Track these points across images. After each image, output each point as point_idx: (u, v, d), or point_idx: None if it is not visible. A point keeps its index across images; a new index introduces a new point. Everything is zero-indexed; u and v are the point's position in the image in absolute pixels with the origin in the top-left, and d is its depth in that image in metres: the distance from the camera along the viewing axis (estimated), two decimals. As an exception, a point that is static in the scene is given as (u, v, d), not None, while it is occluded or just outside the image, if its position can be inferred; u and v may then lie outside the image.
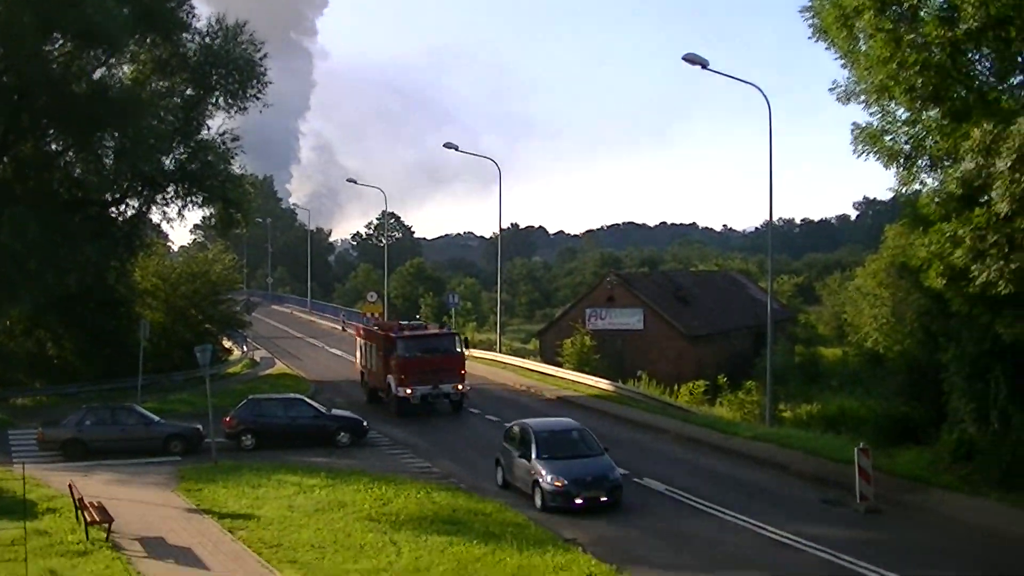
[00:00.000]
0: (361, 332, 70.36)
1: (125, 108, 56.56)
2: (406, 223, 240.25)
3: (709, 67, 52.67)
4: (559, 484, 35.74)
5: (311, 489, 37.96)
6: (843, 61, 35.79)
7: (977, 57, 33.34)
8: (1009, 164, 29.43)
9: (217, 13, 65.51)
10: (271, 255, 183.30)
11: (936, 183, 35.34)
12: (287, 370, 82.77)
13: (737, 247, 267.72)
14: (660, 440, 50.76)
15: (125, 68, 64.23)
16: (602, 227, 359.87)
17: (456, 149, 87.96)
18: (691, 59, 52.34)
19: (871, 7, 33.03)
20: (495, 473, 40.80)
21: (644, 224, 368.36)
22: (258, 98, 66.01)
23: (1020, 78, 33.57)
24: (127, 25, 57.22)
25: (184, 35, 63.62)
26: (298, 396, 55.72)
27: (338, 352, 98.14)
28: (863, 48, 34.49)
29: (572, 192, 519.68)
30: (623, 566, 28.27)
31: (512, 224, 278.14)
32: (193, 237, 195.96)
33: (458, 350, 60.37)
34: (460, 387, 59.40)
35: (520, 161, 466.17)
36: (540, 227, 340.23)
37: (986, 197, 31.41)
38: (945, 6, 32.22)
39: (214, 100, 65.72)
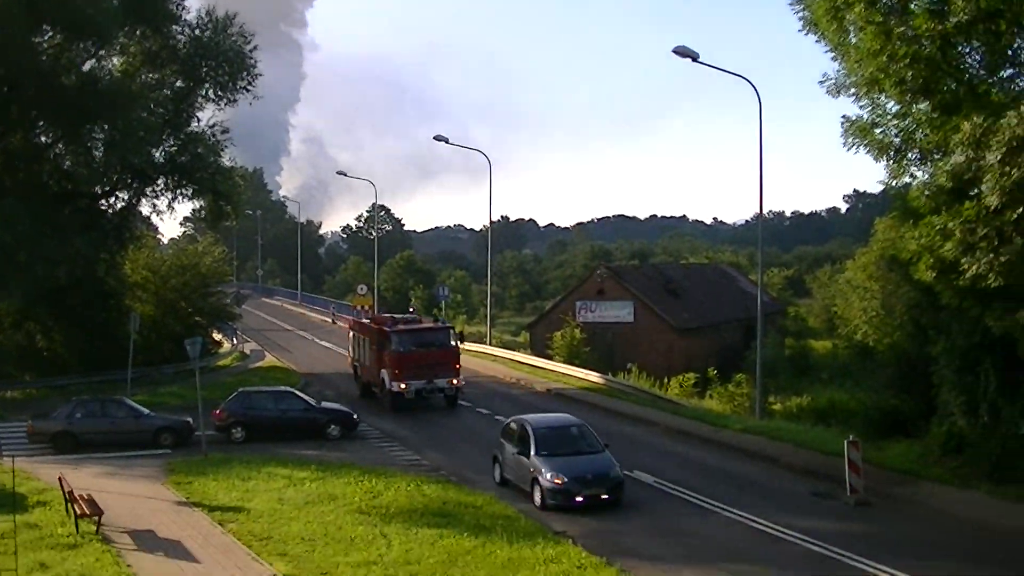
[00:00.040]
0: (354, 325, 69.91)
1: (115, 100, 56.53)
2: (396, 215, 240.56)
3: (699, 60, 52.57)
4: (559, 482, 34.98)
5: (301, 482, 37.93)
6: (833, 54, 35.83)
7: (967, 50, 33.37)
8: (999, 157, 29.45)
9: (207, 5, 65.75)
10: (261, 247, 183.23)
11: (926, 176, 35.43)
12: (277, 363, 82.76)
13: (727, 240, 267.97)
14: (650, 433, 50.77)
15: (115, 60, 64.26)
16: (592, 220, 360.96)
17: (446, 142, 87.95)
18: (681, 52, 52.23)
19: (861, 0, 33.05)
20: (492, 469, 40.10)
21: (634, 217, 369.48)
22: (248, 90, 66.05)
23: (1010, 71, 33.61)
24: (117, 17, 57.25)
25: (174, 27, 63.61)
26: (288, 389, 55.68)
27: (328, 345, 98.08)
28: (853, 41, 34.51)
29: (562, 185, 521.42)
30: (612, 558, 28.26)
31: (502, 216, 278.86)
32: (183, 229, 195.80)
33: (452, 344, 59.74)
34: (455, 382, 58.71)
35: (510, 154, 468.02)
36: (530, 220, 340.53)
37: (976, 190, 31.47)
38: (935, -1, 32.27)
39: (204, 92, 65.71)
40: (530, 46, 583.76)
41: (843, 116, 36.48)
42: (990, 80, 33.51)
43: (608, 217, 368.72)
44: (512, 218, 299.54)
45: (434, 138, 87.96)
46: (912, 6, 32.76)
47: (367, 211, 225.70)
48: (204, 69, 64.68)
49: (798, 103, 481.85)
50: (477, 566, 27.29)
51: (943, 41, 31.85)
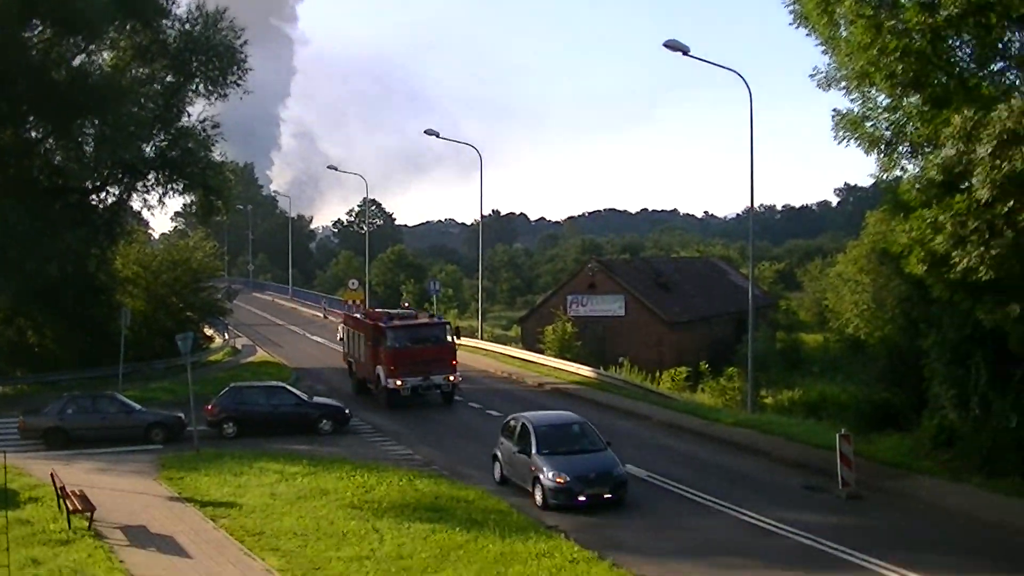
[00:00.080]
0: (348, 320, 69.44)
1: (105, 95, 56.50)
2: (387, 210, 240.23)
3: (690, 53, 52.63)
4: (561, 481, 34.23)
5: (293, 477, 37.94)
6: (824, 47, 35.80)
7: (958, 44, 33.34)
8: (990, 150, 29.47)
9: (197, 0, 65.41)
10: (252, 242, 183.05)
11: (917, 169, 35.38)
12: (269, 358, 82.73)
13: (718, 233, 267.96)
14: (642, 427, 50.80)
15: (105, 55, 64.20)
16: (583, 214, 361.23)
17: (437, 136, 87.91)
18: (672, 45, 52.27)
19: (852, -7, 33.08)
20: (491, 468, 39.36)
21: (625, 211, 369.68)
22: (238, 85, 65.97)
23: (1000, 64, 33.60)
24: (107, 12, 57.15)
25: (164, 22, 63.57)
26: (280, 384, 55.67)
27: (320, 339, 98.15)
28: (844, 34, 34.50)
29: (553, 179, 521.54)
30: (605, 552, 28.26)
31: (493, 211, 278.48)
32: (174, 224, 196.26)
33: (449, 340, 59.11)
34: (452, 378, 58.09)
35: (501, 148, 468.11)
36: (521, 214, 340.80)
37: (967, 183, 31.47)
38: (926, -8, 32.26)
39: (194, 87, 65.64)
40: (521, 40, 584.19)
41: (834, 109, 36.47)
42: (980, 73, 33.50)
43: (599, 211, 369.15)
44: (503, 212, 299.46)
45: (425, 132, 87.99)
46: (902, 0, 32.77)
47: (358, 206, 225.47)
48: (194, 64, 64.60)
49: (789, 97, 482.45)
50: (469, 561, 27.31)
51: (933, 34, 31.83)
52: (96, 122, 58.49)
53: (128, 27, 62.64)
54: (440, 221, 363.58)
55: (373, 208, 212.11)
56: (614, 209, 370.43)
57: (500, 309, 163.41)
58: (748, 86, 53.24)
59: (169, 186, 66.15)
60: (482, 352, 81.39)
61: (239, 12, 66.83)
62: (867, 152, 35.78)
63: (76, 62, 61.18)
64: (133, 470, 41.07)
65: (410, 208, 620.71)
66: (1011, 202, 29.96)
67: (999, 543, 29.97)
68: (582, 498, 34.19)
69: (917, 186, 34.43)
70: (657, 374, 77.18)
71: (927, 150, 34.32)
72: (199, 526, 31.84)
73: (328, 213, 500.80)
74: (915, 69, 32.54)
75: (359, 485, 36.41)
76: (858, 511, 33.81)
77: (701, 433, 48.42)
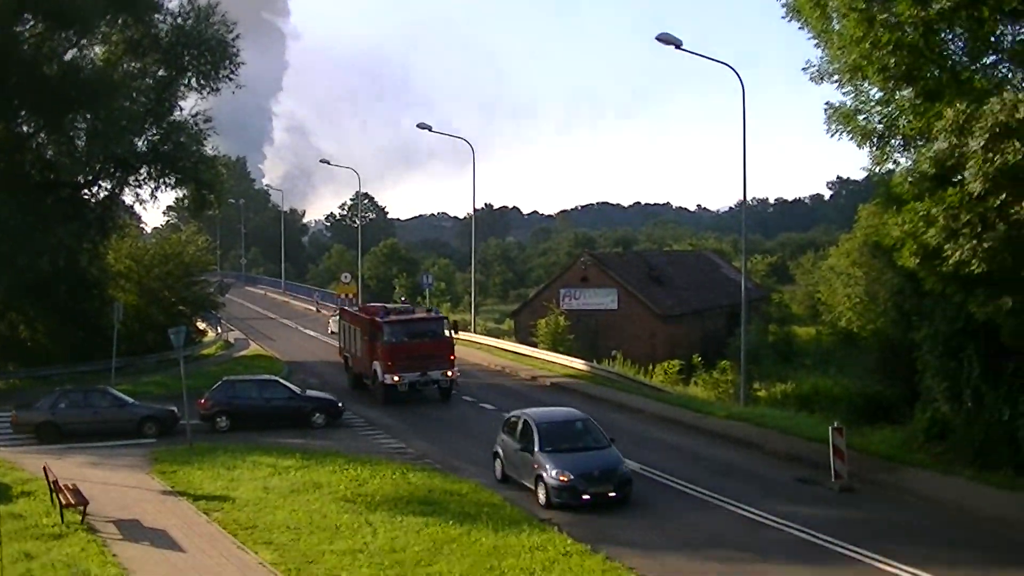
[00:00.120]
0: (344, 315, 68.88)
1: (97, 89, 56.42)
2: (380, 204, 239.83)
3: (683, 47, 52.62)
4: (564, 479, 33.46)
5: (286, 470, 37.94)
6: (817, 41, 35.83)
7: (950, 37, 33.38)
8: (982, 143, 29.52)
9: (189, -6, 65.23)
10: (244, 236, 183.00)
11: (909, 163, 35.46)
12: (261, 351, 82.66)
13: (711, 227, 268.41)
14: (635, 420, 50.81)
15: (97, 49, 64.04)
16: (576, 207, 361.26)
17: (430, 130, 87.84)
18: (664, 39, 52.25)
19: (844, -13, 33.10)
20: (490, 464, 38.72)
21: (618, 204, 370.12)
22: (231, 79, 65.79)
23: (993, 58, 33.65)
24: (98, 6, 57.13)
25: (156, 16, 63.40)
26: (273, 377, 55.51)
27: (312, 333, 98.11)
28: (836, 27, 34.55)
29: (546, 172, 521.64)
30: (598, 545, 28.31)
31: (486, 204, 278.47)
32: (166, 219, 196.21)
33: (447, 334, 58.26)
34: (450, 373, 57.20)
35: (494, 141, 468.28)
36: (514, 207, 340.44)
37: (959, 176, 31.56)
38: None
39: (186, 81, 65.45)
40: (514, 34, 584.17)
41: (826, 103, 36.56)
42: (973, 67, 33.54)
43: (592, 204, 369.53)
44: (496, 206, 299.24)
45: (417, 126, 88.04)
46: (895, -7, 32.78)
47: (351, 199, 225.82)
48: (186, 58, 64.42)
49: (782, 90, 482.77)
50: (463, 554, 27.34)
51: (926, 28, 31.86)
52: (88, 116, 58.40)
53: (120, 21, 62.47)
54: (433, 215, 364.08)
55: (366, 202, 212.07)
56: (607, 202, 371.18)
57: (493, 303, 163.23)
58: (741, 79, 53.33)
59: (161, 180, 66.07)
60: (475, 346, 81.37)
61: (231, 6, 66.75)
62: (860, 145, 35.89)
63: (68, 56, 61.08)
64: (126, 464, 41.03)
65: (403, 202, 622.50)
66: (1003, 195, 30.02)
67: (991, 535, 30.05)
68: (586, 497, 33.51)
69: (910, 179, 34.51)
70: (650, 367, 77.13)
71: (919, 143, 34.36)
72: (192, 520, 31.84)
73: (321, 207, 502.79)
74: (908, 62, 32.58)
75: (352, 478, 36.43)
76: (851, 504, 33.89)
77: (694, 426, 48.45)
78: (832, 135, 36.18)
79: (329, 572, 26.17)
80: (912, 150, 35.15)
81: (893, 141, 35.52)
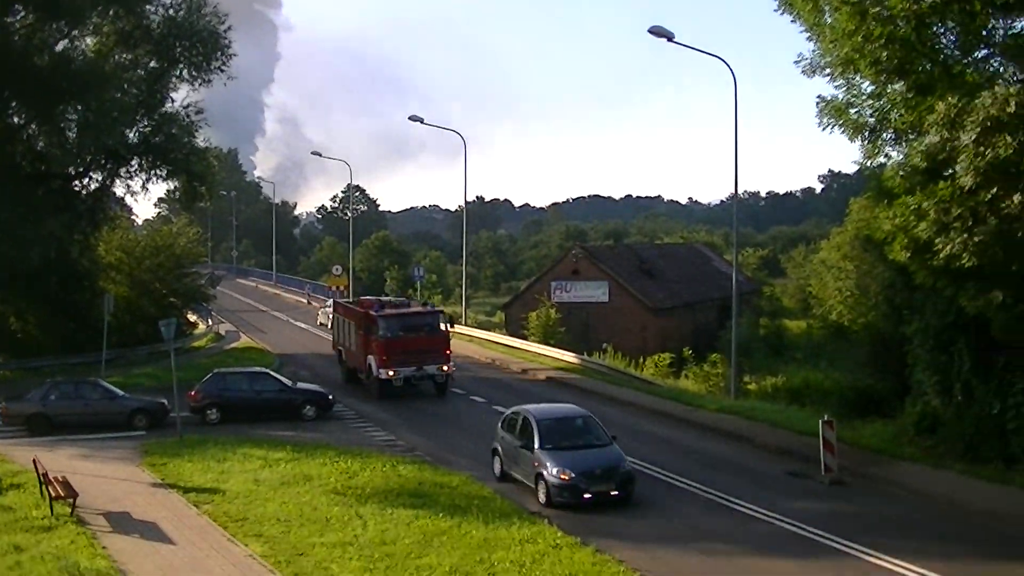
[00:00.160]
0: (338, 308, 68.08)
1: (88, 81, 56.21)
2: (371, 196, 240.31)
3: (675, 40, 52.60)
4: (565, 477, 32.73)
5: (276, 463, 37.92)
6: (809, 34, 35.80)
7: (942, 30, 33.34)
8: (973, 137, 29.51)
9: (181, -15, 65.03)
10: (236, 228, 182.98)
11: (901, 156, 35.43)
12: (252, 344, 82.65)
13: (702, 220, 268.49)
14: (625, 412, 50.80)
15: (88, 40, 63.75)
16: (567, 200, 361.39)
17: (421, 122, 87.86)
18: (656, 31, 52.23)
19: (836, -21, 33.09)
20: (491, 462, 37.79)
21: (609, 197, 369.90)
22: (222, 70, 65.50)
23: (984, 52, 33.62)
24: (90, -3, 56.87)
25: (147, 7, 63.12)
26: (263, 370, 55.58)
27: (303, 325, 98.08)
28: (829, 21, 34.51)
29: (537, 165, 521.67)
30: (587, 538, 28.34)
31: (478, 197, 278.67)
32: (157, 210, 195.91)
33: (442, 328, 57.55)
34: (446, 368, 56.48)
35: (486, 134, 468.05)
36: (506, 200, 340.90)
37: (950, 170, 31.53)
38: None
39: (178, 72, 65.17)
40: (505, 25, 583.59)
41: (818, 96, 36.50)
42: (965, 61, 33.52)
43: (583, 197, 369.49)
44: (487, 198, 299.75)
45: (409, 118, 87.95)
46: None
47: (342, 192, 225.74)
48: (178, 49, 64.17)
49: (774, 83, 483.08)
50: (453, 546, 27.36)
51: (918, 21, 31.85)
52: (79, 108, 58.17)
53: (111, 12, 62.20)
54: (424, 207, 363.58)
55: (357, 194, 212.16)
56: (598, 195, 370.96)
57: (484, 295, 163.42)
58: (733, 72, 53.30)
59: (152, 172, 65.84)
60: (466, 338, 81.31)
61: (223, -3, 66.63)
62: (851, 139, 35.87)
63: (59, 47, 60.83)
64: (116, 456, 41.01)
65: (394, 194, 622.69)
66: (994, 189, 30.01)
67: (982, 529, 30.10)
68: (588, 496, 32.80)
69: (901, 173, 34.48)
70: (640, 360, 77.22)
71: (911, 137, 34.37)
72: (182, 512, 31.83)
73: (312, 199, 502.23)
74: (899, 56, 32.57)
75: (343, 471, 36.43)
76: (841, 497, 33.92)
77: (684, 419, 48.49)
78: (824, 128, 36.19)
79: (319, 564, 26.16)
80: (903, 144, 35.16)
81: (885, 135, 35.51)
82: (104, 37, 63.79)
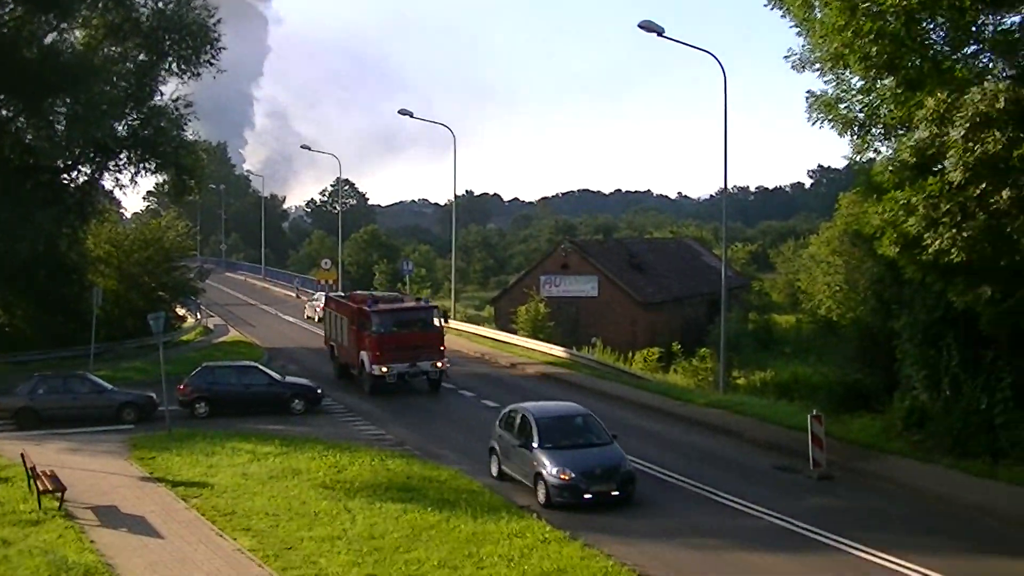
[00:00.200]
0: (330, 303, 66.56)
1: (77, 74, 56.07)
2: (360, 190, 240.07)
3: (665, 34, 52.56)
4: (565, 477, 32.07)
5: (265, 457, 37.88)
6: (799, 29, 35.82)
7: (932, 26, 33.36)
8: (962, 133, 29.57)
9: (170, -23, 64.87)
10: (225, 222, 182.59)
11: (890, 151, 35.50)
12: (241, 337, 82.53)
13: (692, 214, 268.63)
14: (614, 407, 50.72)
15: (77, 33, 63.56)
16: (557, 194, 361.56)
17: (411, 116, 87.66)
18: (646, 26, 52.17)
19: (827, -25, 33.09)
20: (488, 461, 37.14)
21: (599, 191, 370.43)
22: (212, 63, 65.38)
23: (974, 47, 33.65)
24: (79, -11, 56.73)
25: (137, 0, 63.02)
26: (252, 363, 55.45)
27: (292, 319, 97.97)
28: (819, 16, 34.51)
29: (527, 159, 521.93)
30: (576, 532, 28.34)
31: (467, 191, 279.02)
32: (146, 204, 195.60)
33: (436, 324, 56.92)
34: (440, 364, 55.93)
35: (475, 128, 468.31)
36: (495, 194, 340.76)
37: (939, 166, 31.60)
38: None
39: (167, 66, 64.98)
40: (495, 19, 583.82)
41: (808, 91, 36.59)
42: (954, 56, 33.55)
43: (573, 191, 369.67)
44: (477, 192, 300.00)
45: (399, 112, 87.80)
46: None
47: (331, 185, 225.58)
48: (167, 42, 63.99)
49: (764, 78, 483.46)
50: (441, 540, 27.36)
51: (908, 17, 31.87)
52: (68, 101, 58.02)
53: (100, 5, 62.03)
54: (414, 201, 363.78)
55: (346, 188, 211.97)
56: (588, 190, 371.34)
57: (473, 289, 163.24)
58: (723, 67, 53.34)
59: (141, 165, 65.69)
60: (455, 332, 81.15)
61: (212, -10, 66.46)
62: (841, 134, 35.93)
63: (48, 40, 60.68)
64: (104, 450, 40.93)
65: (383, 188, 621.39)
66: (983, 184, 30.07)
67: (969, 523, 30.18)
68: (588, 496, 32.17)
69: (890, 168, 34.55)
70: (630, 355, 77.21)
71: (900, 132, 34.42)
72: (170, 506, 31.78)
73: (301, 193, 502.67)
74: (889, 51, 32.59)
75: (331, 465, 36.39)
76: (829, 492, 34.00)
77: (673, 414, 48.52)
78: (813, 123, 36.26)
79: (308, 558, 26.14)
80: (893, 139, 35.20)
81: (874, 130, 35.56)
82: (93, 30, 63.62)
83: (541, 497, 32.69)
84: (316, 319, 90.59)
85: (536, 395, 49.11)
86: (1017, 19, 32.93)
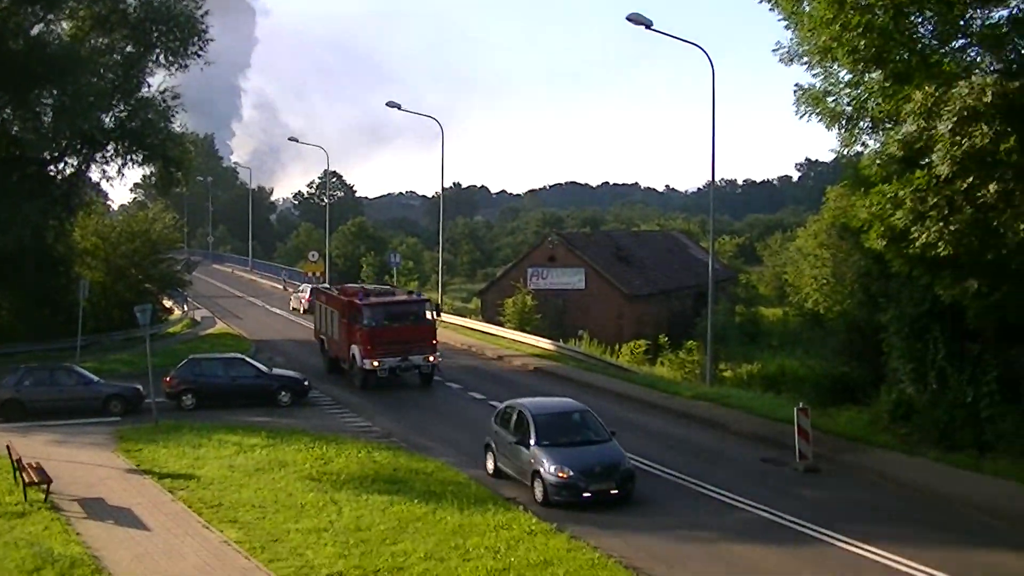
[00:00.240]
0: (320, 296, 65.61)
1: (64, 65, 55.99)
2: (348, 182, 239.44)
3: (653, 27, 52.54)
4: (563, 476, 31.34)
5: (252, 449, 37.87)
6: (787, 22, 35.77)
7: (920, 20, 33.40)
8: (950, 127, 29.64)
9: (157, -31, 64.70)
10: (212, 214, 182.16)
11: (878, 145, 35.52)
12: (228, 329, 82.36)
13: (679, 207, 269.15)
14: (600, 399, 50.59)
15: (64, 24, 63.47)
16: (544, 187, 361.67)
17: (399, 108, 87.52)
18: (635, 19, 52.13)
19: (815, -32, 33.11)
20: (484, 458, 36.43)
21: (586, 184, 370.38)
22: (199, 55, 65.27)
23: (962, 41, 33.68)
24: (66, -20, 56.60)
25: (124, -9, 62.93)
26: (239, 355, 55.35)
27: (279, 311, 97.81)
28: (807, 9, 34.49)
29: (515, 151, 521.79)
30: (563, 525, 28.37)
31: (454, 183, 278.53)
32: (133, 196, 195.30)
33: (428, 317, 56.18)
34: (432, 358, 55.28)
35: (463, 120, 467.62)
36: (482, 186, 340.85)
37: (927, 159, 31.67)
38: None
39: (154, 57, 64.88)
40: (483, 11, 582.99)
41: (796, 84, 36.62)
42: (942, 50, 33.57)
43: (560, 184, 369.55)
44: (464, 185, 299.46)
45: (387, 104, 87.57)
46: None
47: (319, 177, 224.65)
48: (155, 34, 63.87)
49: (751, 71, 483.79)
50: (428, 532, 27.39)
51: (896, 11, 31.91)
52: (55, 92, 57.92)
53: (87, -4, 62.07)
54: (401, 193, 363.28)
55: (334, 180, 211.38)
56: (575, 182, 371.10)
57: (460, 282, 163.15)
58: (711, 60, 53.33)
59: (128, 157, 65.62)
60: (442, 324, 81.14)
61: (200, -18, 66.31)
62: (828, 127, 35.96)
63: (34, 31, 60.54)
64: (91, 442, 40.87)
65: (371, 180, 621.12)
66: (970, 178, 30.16)
67: (954, 516, 30.21)
68: (587, 494, 31.43)
69: (878, 161, 34.59)
70: (616, 347, 77.31)
71: (888, 126, 34.46)
72: (157, 498, 31.76)
73: (289, 185, 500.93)
74: (877, 45, 32.61)
75: (318, 457, 36.40)
76: (815, 484, 34.01)
77: (660, 406, 48.53)
78: (801, 117, 36.25)
79: (294, 550, 26.15)
80: (880, 132, 35.24)
81: (862, 123, 35.58)
82: (80, 21, 63.51)
83: (538, 495, 31.98)
84: (301, 311, 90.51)
85: (523, 387, 49.16)
86: (1005, 13, 33.00)
